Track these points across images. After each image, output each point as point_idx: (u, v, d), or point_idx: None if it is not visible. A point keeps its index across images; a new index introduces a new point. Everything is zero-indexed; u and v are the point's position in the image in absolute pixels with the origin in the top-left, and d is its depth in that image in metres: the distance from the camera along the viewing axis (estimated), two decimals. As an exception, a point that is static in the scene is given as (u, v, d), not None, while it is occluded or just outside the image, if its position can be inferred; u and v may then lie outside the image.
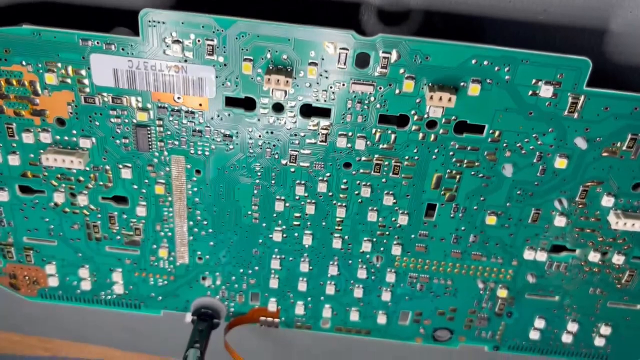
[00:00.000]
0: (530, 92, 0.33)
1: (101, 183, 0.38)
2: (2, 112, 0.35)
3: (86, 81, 0.34)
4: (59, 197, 0.38)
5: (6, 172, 0.38)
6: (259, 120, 0.35)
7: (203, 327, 0.42)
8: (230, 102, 0.35)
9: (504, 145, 0.35)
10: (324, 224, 0.39)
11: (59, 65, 0.33)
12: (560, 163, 0.35)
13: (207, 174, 0.37)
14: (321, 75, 0.33)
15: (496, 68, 0.32)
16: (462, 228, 0.38)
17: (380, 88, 0.33)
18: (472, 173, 0.36)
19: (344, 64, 0.32)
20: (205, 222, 0.39)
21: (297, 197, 0.38)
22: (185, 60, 0.33)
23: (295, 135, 0.35)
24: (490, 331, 0.44)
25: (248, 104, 0.35)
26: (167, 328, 0.51)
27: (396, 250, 0.39)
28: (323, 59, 0.33)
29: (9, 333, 0.55)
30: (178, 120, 0.35)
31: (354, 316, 0.43)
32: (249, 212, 0.39)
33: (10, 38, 0.33)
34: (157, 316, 0.45)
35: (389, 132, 0.35)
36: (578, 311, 0.42)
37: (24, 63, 0.33)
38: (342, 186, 0.37)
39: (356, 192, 0.37)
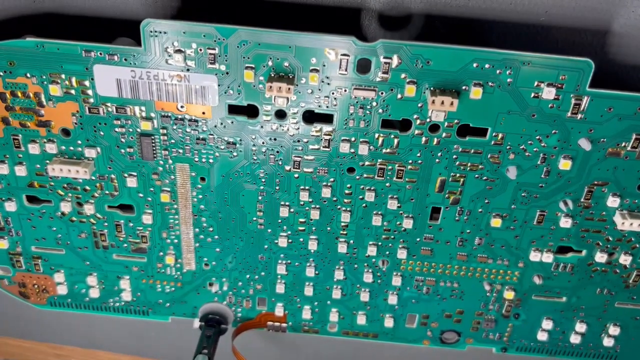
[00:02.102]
0: (532, 95, 0.33)
1: (107, 192, 0.38)
2: (8, 123, 0.36)
3: (90, 92, 0.34)
4: (65, 207, 0.39)
5: (13, 183, 0.38)
6: (262, 127, 0.35)
7: (211, 333, 0.43)
8: (233, 109, 0.35)
9: (508, 147, 0.35)
10: (328, 229, 0.39)
11: (63, 76, 0.34)
12: (565, 164, 0.35)
13: (212, 181, 0.37)
14: (323, 81, 0.33)
15: (498, 71, 0.32)
16: (467, 231, 0.38)
17: (382, 93, 0.33)
18: (476, 176, 0.36)
19: (346, 70, 0.33)
20: (211, 229, 0.40)
21: (302, 203, 0.38)
22: (188, 70, 0.33)
23: (299, 141, 0.35)
24: (498, 333, 0.44)
25: (251, 112, 0.35)
26: (175, 334, 0.51)
27: (402, 254, 0.39)
28: (324, 66, 0.33)
29: (20, 340, 0.56)
30: (182, 128, 0.35)
31: (361, 320, 0.43)
32: (254, 218, 0.39)
33: (15, 51, 0.33)
34: (165, 322, 0.45)
35: (392, 136, 0.35)
36: (586, 312, 0.42)
37: (28, 75, 0.34)
38: (346, 191, 0.37)
39: (360, 197, 0.37)
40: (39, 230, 0.40)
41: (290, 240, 0.40)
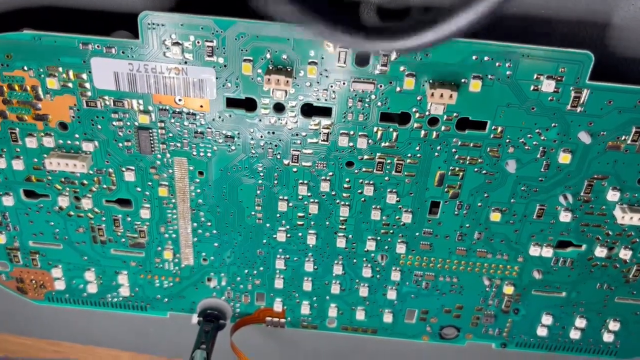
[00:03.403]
0: (532, 87, 0.33)
1: (105, 186, 0.38)
2: (5, 117, 0.35)
3: (87, 85, 0.34)
4: (63, 201, 0.38)
5: (11, 177, 0.38)
6: (260, 120, 0.35)
7: (209, 328, 0.42)
8: (231, 103, 0.35)
9: (507, 141, 0.35)
10: (327, 223, 0.39)
11: (60, 69, 0.34)
12: (564, 158, 0.34)
13: (210, 175, 0.37)
14: (321, 74, 0.33)
15: (497, 63, 0.32)
16: (467, 225, 0.38)
17: (380, 86, 0.33)
18: (475, 170, 0.36)
19: (344, 62, 0.32)
20: (209, 224, 0.39)
21: (300, 197, 0.38)
22: (186, 62, 0.33)
23: (297, 135, 0.35)
24: (498, 328, 0.44)
25: (249, 105, 0.35)
26: (173, 330, 0.51)
27: (401, 249, 0.39)
28: (323, 58, 0.32)
29: (19, 336, 0.55)
30: (180, 122, 0.35)
31: (360, 315, 0.43)
32: (253, 213, 0.39)
33: (12, 43, 0.33)
34: (163, 318, 0.45)
35: (391, 130, 0.35)
36: (585, 307, 0.42)
37: (25, 68, 0.34)
38: (345, 185, 0.37)
39: (359, 191, 0.37)
40: (36, 224, 0.40)
41: (288, 235, 0.40)
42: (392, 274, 0.41)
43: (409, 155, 0.35)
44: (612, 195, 0.36)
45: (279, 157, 0.36)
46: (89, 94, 0.34)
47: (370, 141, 0.35)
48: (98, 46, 0.33)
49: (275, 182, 0.37)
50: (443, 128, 0.34)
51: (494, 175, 0.36)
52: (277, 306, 0.43)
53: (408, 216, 0.38)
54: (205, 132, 0.35)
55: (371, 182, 0.37)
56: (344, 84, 0.33)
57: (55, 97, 0.35)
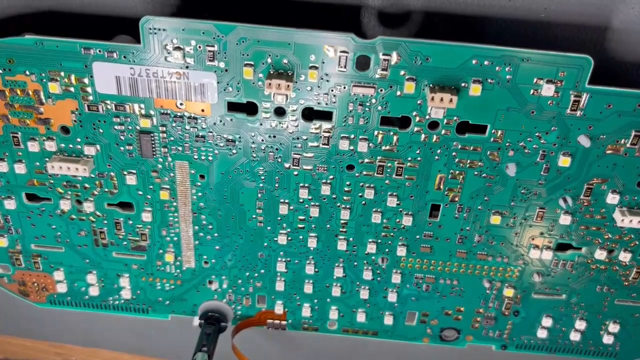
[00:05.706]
0: (532, 91, 0.33)
1: (106, 190, 0.38)
2: (7, 121, 0.36)
3: (89, 89, 0.34)
4: (65, 205, 0.39)
5: (13, 181, 0.38)
6: (261, 124, 0.35)
7: (210, 331, 0.43)
8: (233, 107, 0.35)
9: (507, 144, 0.35)
10: (328, 226, 0.39)
11: (62, 74, 0.34)
12: (564, 161, 0.35)
13: (211, 178, 0.37)
14: (322, 78, 0.33)
15: (497, 68, 0.32)
16: (467, 228, 0.38)
17: (381, 90, 0.33)
18: (475, 173, 0.36)
19: (345, 67, 0.33)
20: (210, 227, 0.40)
21: (301, 200, 0.38)
22: (187, 67, 0.33)
23: (298, 138, 0.35)
24: (498, 330, 0.44)
25: (250, 109, 0.35)
26: (175, 332, 0.51)
27: (401, 251, 0.39)
28: (323, 63, 0.33)
29: (21, 339, 0.56)
30: (181, 126, 0.35)
31: (361, 317, 0.43)
32: (254, 216, 0.39)
33: (14, 48, 0.33)
34: (164, 320, 0.45)
35: (391, 133, 0.35)
36: (585, 309, 0.42)
37: (27, 73, 0.34)
38: (346, 188, 0.37)
39: (360, 194, 0.37)
40: (38, 228, 0.40)
41: (289, 238, 0.40)
42: (392, 276, 0.41)
43: (410, 158, 0.36)
44: (612, 198, 0.36)
45: (279, 160, 0.36)
46: (91, 98, 0.35)
47: (370, 145, 0.35)
48: (100, 51, 0.33)
49: (276, 185, 0.37)
50: (443, 132, 0.34)
51: (494, 179, 0.36)
52: (278, 308, 0.43)
53: (408, 219, 0.38)
54: (207, 136, 0.36)
55: (372, 186, 0.37)
56: (344, 88, 0.33)
57: (57, 101, 0.35)
